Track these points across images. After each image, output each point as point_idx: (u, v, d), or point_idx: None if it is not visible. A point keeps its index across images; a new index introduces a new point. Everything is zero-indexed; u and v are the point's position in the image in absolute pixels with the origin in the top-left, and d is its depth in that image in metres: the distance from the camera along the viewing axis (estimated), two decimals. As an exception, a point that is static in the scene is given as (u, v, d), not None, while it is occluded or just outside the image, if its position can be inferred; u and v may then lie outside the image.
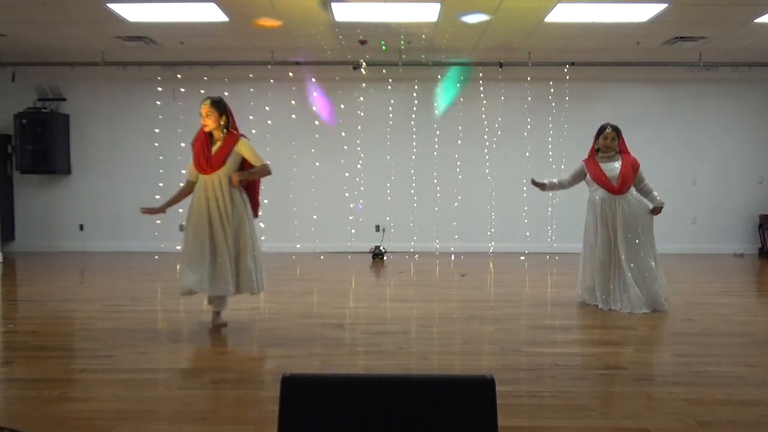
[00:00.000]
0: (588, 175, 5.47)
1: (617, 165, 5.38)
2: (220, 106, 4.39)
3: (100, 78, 9.08)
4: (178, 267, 4.84)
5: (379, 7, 6.33)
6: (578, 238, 5.68)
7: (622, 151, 5.47)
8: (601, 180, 5.35)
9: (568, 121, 9.03)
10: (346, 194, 9.26)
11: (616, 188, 5.31)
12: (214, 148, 4.40)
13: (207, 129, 4.40)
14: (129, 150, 9.32)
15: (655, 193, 5.45)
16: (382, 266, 8.11)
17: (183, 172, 4.64)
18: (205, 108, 4.36)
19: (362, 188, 9.24)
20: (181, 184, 4.67)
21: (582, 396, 3.25)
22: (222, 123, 4.38)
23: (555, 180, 5.70)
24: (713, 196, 9.36)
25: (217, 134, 4.41)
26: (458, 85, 9.04)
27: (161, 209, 4.63)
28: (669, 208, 9.16)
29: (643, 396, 3.23)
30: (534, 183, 5.63)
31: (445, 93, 8.90)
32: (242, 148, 4.40)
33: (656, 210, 5.42)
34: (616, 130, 5.44)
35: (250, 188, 4.60)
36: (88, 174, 9.37)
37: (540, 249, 9.00)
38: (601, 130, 5.46)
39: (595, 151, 5.50)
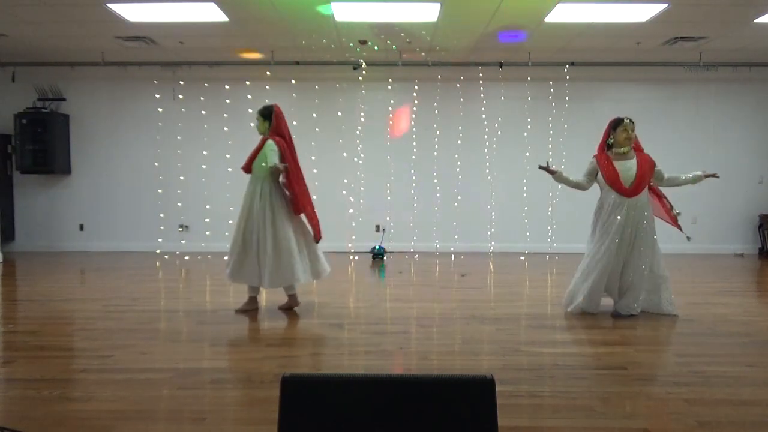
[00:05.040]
0: (599, 174, 5.00)
1: (633, 164, 4.90)
2: None
3: (100, 78, 9.08)
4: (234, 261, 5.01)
5: (379, 7, 6.33)
6: (578, 238, 5.65)
7: (637, 148, 5.01)
8: (615, 181, 4.89)
9: (568, 121, 9.03)
10: (346, 194, 9.26)
11: (630, 190, 4.87)
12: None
13: None
14: (129, 150, 9.32)
15: (686, 176, 5.12)
16: (382, 266, 8.11)
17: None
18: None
19: (362, 188, 9.25)
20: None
21: (582, 396, 3.25)
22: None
23: (570, 177, 5.18)
24: (713, 195, 9.35)
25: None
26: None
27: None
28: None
29: (643, 396, 3.23)
30: (543, 167, 5.12)
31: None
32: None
33: (710, 176, 5.10)
34: (633, 123, 4.98)
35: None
36: (88, 174, 9.37)
37: (540, 249, 9.00)
38: (619, 121, 4.96)
39: (605, 147, 5.00)
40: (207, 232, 8.67)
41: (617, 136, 4.93)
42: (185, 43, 7.83)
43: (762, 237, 9.24)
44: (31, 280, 7.08)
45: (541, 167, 5.13)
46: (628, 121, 4.94)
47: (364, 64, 8.63)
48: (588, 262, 5.08)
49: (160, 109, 9.01)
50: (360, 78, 8.88)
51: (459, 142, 9.17)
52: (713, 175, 5.12)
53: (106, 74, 8.97)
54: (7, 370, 3.70)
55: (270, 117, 5.06)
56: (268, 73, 8.60)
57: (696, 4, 6.22)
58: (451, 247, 9.07)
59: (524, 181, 9.03)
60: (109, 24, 6.88)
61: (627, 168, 4.90)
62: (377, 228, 9.32)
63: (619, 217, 4.90)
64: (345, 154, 9.22)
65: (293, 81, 8.89)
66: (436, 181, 9.19)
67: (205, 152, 8.99)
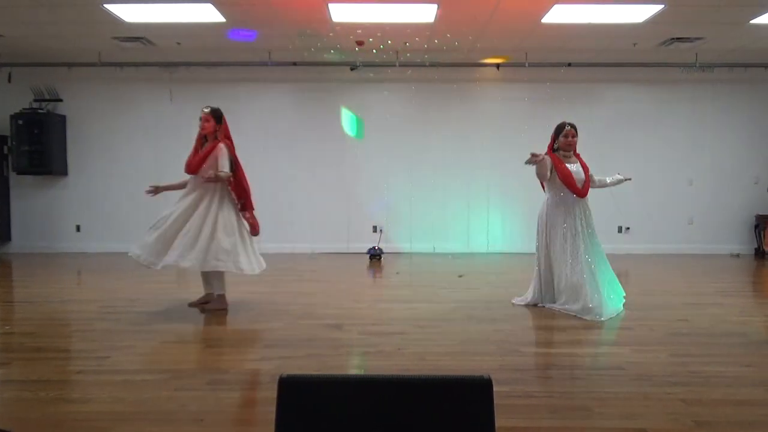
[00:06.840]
0: (554, 172, 5.13)
1: (579, 167, 5.16)
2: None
3: (96, 79, 9.06)
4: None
5: (377, 8, 6.34)
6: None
7: (574, 152, 5.26)
8: (570, 181, 5.07)
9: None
10: (344, 195, 9.26)
11: (582, 191, 5.11)
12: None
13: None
14: (126, 151, 9.30)
15: (610, 179, 5.43)
16: (379, 267, 8.11)
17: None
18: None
19: (361, 188, 9.24)
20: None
21: (579, 396, 3.25)
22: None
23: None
24: (709, 196, 9.38)
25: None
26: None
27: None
28: (665, 208, 9.29)
29: (640, 396, 3.23)
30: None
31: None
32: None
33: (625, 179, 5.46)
34: (575, 129, 5.22)
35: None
36: (84, 175, 9.35)
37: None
38: (561, 127, 5.20)
39: (552, 150, 5.21)
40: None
41: (560, 141, 5.18)
42: (182, 44, 7.83)
43: (758, 237, 9.27)
44: (28, 282, 7.06)
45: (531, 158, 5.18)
46: (569, 127, 5.17)
47: (360, 65, 8.63)
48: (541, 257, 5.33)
49: (156, 110, 8.99)
50: (358, 79, 8.88)
51: (456, 143, 9.17)
52: (628, 179, 5.45)
53: (103, 75, 8.95)
54: (4, 372, 3.69)
55: (221, 119, 5.06)
56: (266, 74, 8.55)
57: (692, 5, 6.24)
58: (449, 248, 9.07)
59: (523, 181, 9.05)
60: (106, 25, 6.87)
61: (575, 170, 5.13)
62: (374, 229, 9.32)
63: (567, 218, 5.10)
64: (343, 155, 9.22)
65: (291, 81, 8.89)
66: (433, 181, 9.19)
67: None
